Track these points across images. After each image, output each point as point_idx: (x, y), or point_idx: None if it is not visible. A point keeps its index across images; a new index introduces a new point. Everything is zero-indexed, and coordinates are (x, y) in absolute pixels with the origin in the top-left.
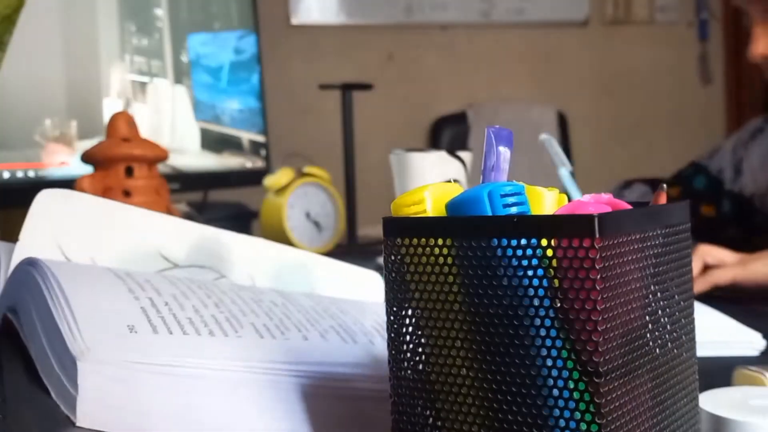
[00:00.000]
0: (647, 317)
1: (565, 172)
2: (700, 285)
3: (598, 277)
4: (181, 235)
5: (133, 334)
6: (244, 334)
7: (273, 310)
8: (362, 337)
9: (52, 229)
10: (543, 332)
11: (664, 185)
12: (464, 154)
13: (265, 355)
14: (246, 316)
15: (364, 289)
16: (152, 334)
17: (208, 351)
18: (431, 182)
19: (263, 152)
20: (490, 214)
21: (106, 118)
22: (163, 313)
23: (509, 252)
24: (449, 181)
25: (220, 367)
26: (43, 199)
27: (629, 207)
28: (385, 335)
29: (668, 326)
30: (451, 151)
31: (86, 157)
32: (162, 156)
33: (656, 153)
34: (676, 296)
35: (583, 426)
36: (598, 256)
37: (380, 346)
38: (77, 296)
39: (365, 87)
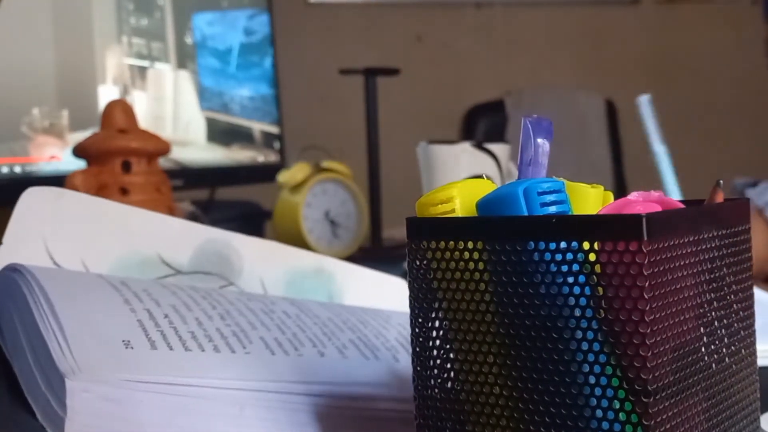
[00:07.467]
0: (702, 329)
1: (661, 149)
2: None
3: (647, 284)
4: (184, 238)
5: (128, 350)
6: (253, 350)
7: (286, 323)
8: (385, 352)
9: (39, 231)
10: (585, 346)
11: (721, 181)
12: (499, 147)
13: (276, 373)
14: (255, 329)
15: (389, 298)
16: (150, 350)
17: (213, 369)
18: (461, 178)
19: (277, 145)
20: (525, 213)
21: (101, 107)
22: (162, 327)
23: (547, 256)
24: (481, 177)
25: (225, 386)
26: (30, 197)
27: (681, 206)
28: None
29: (726, 339)
30: (479, 144)
31: (79, 151)
32: (163, 149)
33: (716, 147)
34: (735, 305)
35: None
36: (646, 261)
37: (405, 363)
38: (66, 307)
39: (391, 72)
